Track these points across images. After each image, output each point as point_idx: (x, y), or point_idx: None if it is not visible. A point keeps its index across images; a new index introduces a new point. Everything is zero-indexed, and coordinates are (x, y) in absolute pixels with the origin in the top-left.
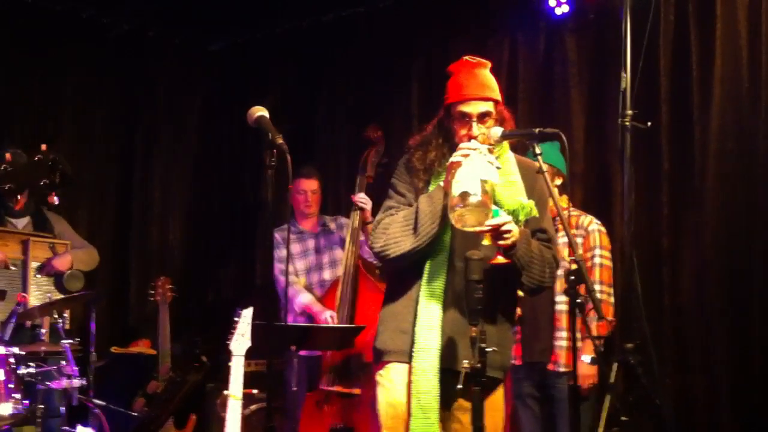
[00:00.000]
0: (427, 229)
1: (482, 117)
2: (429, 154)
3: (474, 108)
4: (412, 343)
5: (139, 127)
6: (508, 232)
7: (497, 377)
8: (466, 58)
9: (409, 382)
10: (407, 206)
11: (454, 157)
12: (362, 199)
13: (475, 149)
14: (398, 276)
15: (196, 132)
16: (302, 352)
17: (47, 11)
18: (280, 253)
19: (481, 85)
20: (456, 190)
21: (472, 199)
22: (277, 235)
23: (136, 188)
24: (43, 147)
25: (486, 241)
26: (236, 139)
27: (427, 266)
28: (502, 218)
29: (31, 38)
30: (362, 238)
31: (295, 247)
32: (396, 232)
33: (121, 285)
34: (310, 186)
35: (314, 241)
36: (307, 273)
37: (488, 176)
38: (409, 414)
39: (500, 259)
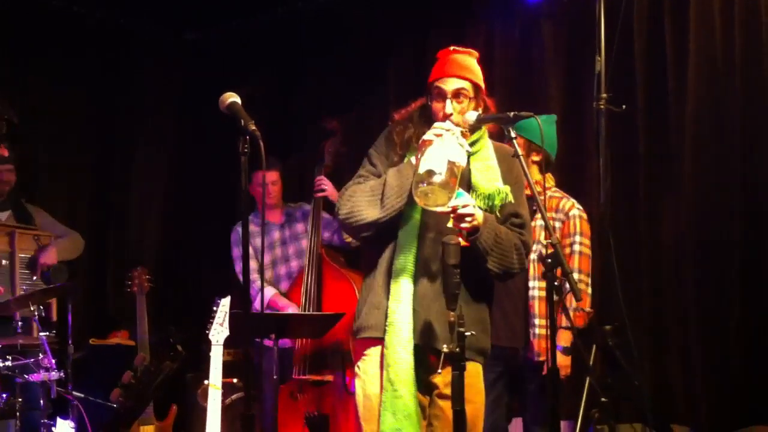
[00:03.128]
0: (393, 202)
1: (456, 95)
2: (408, 130)
3: (449, 85)
4: (386, 317)
5: (115, 117)
6: (470, 215)
7: (474, 359)
8: (454, 47)
9: (381, 365)
10: (376, 177)
11: (427, 136)
12: (323, 183)
13: (448, 130)
14: (372, 250)
15: (174, 122)
16: (270, 344)
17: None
18: (237, 251)
19: (458, 66)
20: (422, 168)
21: (436, 179)
22: (239, 231)
23: (114, 179)
24: None
25: (450, 223)
26: (214, 129)
27: (397, 240)
28: (463, 201)
29: (3, 28)
30: (326, 216)
31: (259, 241)
32: (361, 202)
33: (98, 276)
34: (270, 177)
35: (279, 232)
36: (273, 266)
37: (456, 158)
38: (381, 389)
39: (461, 242)
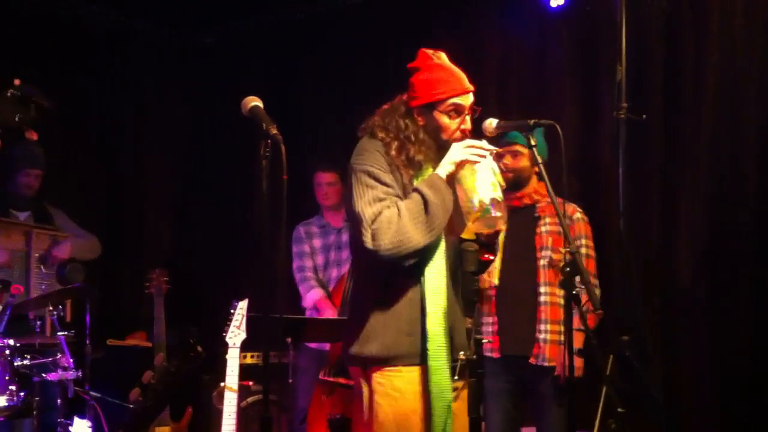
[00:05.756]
0: (441, 222)
1: (470, 109)
2: (414, 153)
3: (466, 100)
4: (426, 342)
5: (127, 119)
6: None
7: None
8: (428, 51)
9: (423, 387)
10: (397, 198)
11: (469, 155)
12: None
13: (488, 150)
14: (387, 274)
15: (186, 124)
16: (312, 345)
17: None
18: (300, 248)
19: (463, 76)
20: (481, 195)
21: (491, 207)
22: (301, 229)
23: (127, 181)
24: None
25: (466, 235)
26: (226, 130)
27: (427, 261)
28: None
29: (15, 31)
30: None
31: (317, 242)
32: (407, 227)
33: (116, 277)
34: (326, 179)
35: (336, 236)
36: (325, 268)
37: (500, 179)
38: (424, 419)
39: (488, 257)
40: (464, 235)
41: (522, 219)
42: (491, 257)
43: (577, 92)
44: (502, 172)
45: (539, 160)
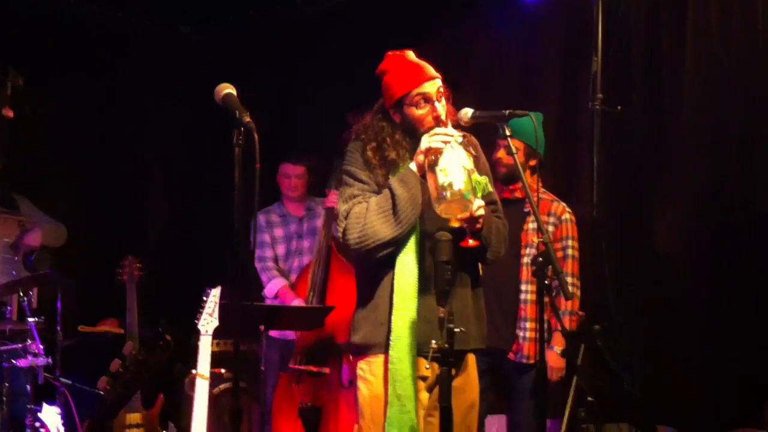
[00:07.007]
0: (409, 215)
1: (439, 95)
2: (388, 153)
3: (431, 87)
4: (389, 332)
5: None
6: (482, 216)
7: (480, 347)
8: (392, 53)
9: (386, 372)
10: (372, 194)
11: (433, 143)
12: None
13: (452, 135)
14: (369, 267)
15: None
16: (275, 334)
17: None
18: (260, 237)
19: (425, 66)
20: (442, 180)
21: (459, 189)
22: (261, 218)
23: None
24: None
25: (455, 224)
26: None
27: (398, 254)
28: (478, 203)
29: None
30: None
31: (278, 232)
32: (372, 222)
33: (90, 264)
34: (294, 171)
35: (297, 225)
36: (286, 258)
37: (469, 164)
38: (386, 404)
39: (471, 242)
40: (453, 224)
41: (512, 213)
42: (477, 244)
43: (557, 85)
44: (497, 166)
45: (513, 150)
